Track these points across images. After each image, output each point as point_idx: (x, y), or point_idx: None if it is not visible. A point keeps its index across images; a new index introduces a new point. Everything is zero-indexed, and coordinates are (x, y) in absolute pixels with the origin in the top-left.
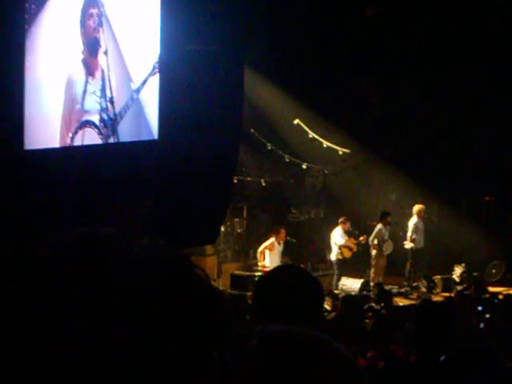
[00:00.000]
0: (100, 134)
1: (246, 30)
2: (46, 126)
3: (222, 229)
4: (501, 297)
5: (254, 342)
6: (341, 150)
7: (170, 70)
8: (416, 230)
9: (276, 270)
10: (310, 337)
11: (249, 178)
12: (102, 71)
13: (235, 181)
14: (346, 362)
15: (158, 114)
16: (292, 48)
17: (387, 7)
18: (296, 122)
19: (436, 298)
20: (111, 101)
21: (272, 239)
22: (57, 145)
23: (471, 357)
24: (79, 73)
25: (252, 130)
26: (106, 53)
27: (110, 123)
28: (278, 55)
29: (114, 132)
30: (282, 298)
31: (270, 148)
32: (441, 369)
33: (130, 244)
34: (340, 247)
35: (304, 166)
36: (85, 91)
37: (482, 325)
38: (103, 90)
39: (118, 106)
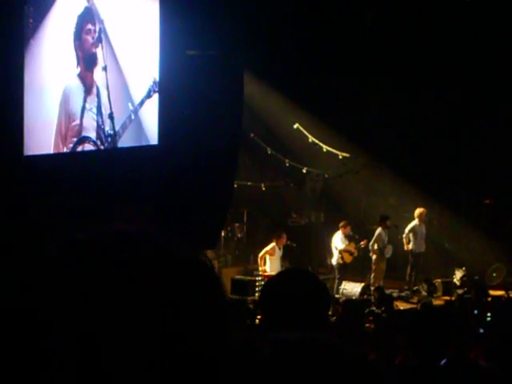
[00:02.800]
0: (98, 149)
1: (245, 36)
2: (45, 132)
3: (223, 234)
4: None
5: (267, 349)
6: (341, 154)
7: (170, 76)
8: (413, 231)
9: (284, 273)
10: (325, 344)
11: (249, 183)
12: (98, 88)
13: (235, 185)
14: (364, 369)
15: (158, 119)
16: (292, 53)
17: (387, 12)
18: (296, 126)
19: (437, 302)
20: (110, 116)
21: (273, 244)
22: (51, 151)
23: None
24: (76, 86)
25: (252, 135)
26: (104, 68)
27: (106, 140)
28: (277, 60)
29: (113, 146)
30: (289, 301)
31: (270, 152)
32: (441, 374)
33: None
34: (340, 252)
35: (304, 171)
36: (83, 107)
37: (481, 330)
38: (99, 107)
39: (117, 125)
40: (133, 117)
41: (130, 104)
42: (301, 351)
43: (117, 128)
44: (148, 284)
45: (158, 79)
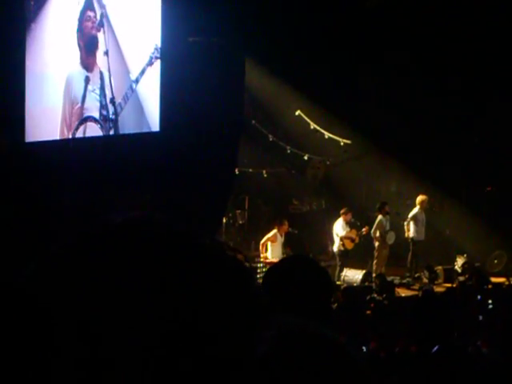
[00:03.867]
0: (101, 128)
1: (247, 22)
2: (46, 119)
3: (224, 220)
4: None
5: (271, 333)
6: (342, 141)
7: (171, 62)
8: (415, 219)
9: (286, 260)
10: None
11: (250, 170)
12: (101, 71)
13: (236, 172)
14: (355, 368)
15: (160, 105)
16: (293, 39)
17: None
18: (297, 113)
19: (438, 289)
20: (112, 101)
21: (274, 231)
22: (57, 137)
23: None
24: (78, 71)
25: (253, 122)
26: (106, 53)
27: (110, 118)
28: (279, 46)
29: (115, 126)
30: (292, 288)
31: (271, 139)
32: (433, 360)
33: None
34: (342, 238)
35: (305, 157)
36: (85, 90)
37: (480, 317)
38: (102, 88)
39: (118, 99)
40: (134, 86)
41: (130, 75)
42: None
43: (118, 100)
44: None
45: (159, 46)
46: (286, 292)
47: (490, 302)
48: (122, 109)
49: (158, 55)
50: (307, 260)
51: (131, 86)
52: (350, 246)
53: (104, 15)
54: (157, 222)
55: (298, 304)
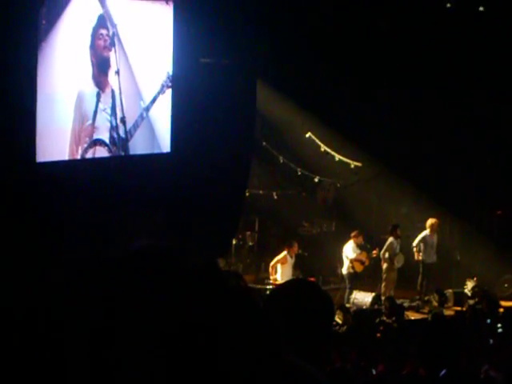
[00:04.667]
0: (110, 151)
1: (258, 43)
2: (57, 139)
3: (234, 242)
4: None
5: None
6: (352, 164)
7: (183, 84)
8: (424, 242)
9: (286, 284)
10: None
11: (261, 191)
12: (113, 90)
13: (247, 194)
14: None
15: (171, 126)
16: (305, 61)
17: (400, 20)
18: (308, 135)
19: (448, 312)
20: (122, 120)
21: (284, 252)
22: (66, 157)
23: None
24: (90, 90)
25: (264, 143)
26: (117, 72)
27: (120, 142)
28: (290, 68)
29: (125, 150)
30: (291, 312)
31: (282, 161)
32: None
33: (189, 259)
34: (352, 261)
35: (316, 179)
36: (96, 108)
37: (490, 341)
38: (113, 108)
39: (128, 125)
40: (145, 114)
41: (141, 102)
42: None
43: (128, 127)
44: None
45: (171, 74)
46: (287, 316)
47: (499, 325)
48: (132, 136)
49: (170, 84)
50: (308, 284)
51: (142, 115)
52: (359, 268)
53: (115, 34)
54: (161, 252)
55: (299, 329)
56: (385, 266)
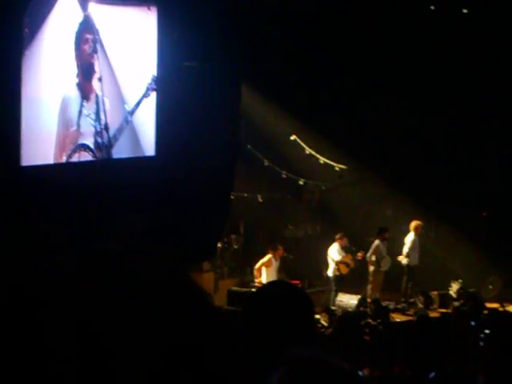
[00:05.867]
0: (95, 156)
1: (242, 47)
2: (42, 143)
3: (219, 245)
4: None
5: (285, 368)
6: (337, 166)
7: (167, 87)
8: (413, 246)
9: (265, 287)
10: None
11: (245, 194)
12: (97, 96)
13: (232, 197)
14: None
15: (155, 130)
16: (289, 64)
17: (386, 25)
18: (293, 138)
19: (433, 314)
20: (106, 126)
21: (269, 255)
22: (51, 161)
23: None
24: (74, 95)
25: (249, 146)
26: (100, 79)
27: (104, 146)
28: (274, 71)
29: (109, 155)
30: (270, 313)
31: (266, 164)
32: None
33: (137, 262)
34: (337, 263)
35: (301, 182)
36: (80, 113)
37: (478, 343)
38: (97, 113)
39: (113, 130)
40: (129, 118)
41: (126, 106)
42: (308, 371)
43: (113, 132)
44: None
45: (155, 76)
46: (268, 318)
47: (484, 327)
48: (116, 140)
49: (155, 86)
50: (288, 285)
51: (126, 118)
52: (345, 270)
53: (98, 41)
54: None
55: (280, 330)
56: (371, 268)
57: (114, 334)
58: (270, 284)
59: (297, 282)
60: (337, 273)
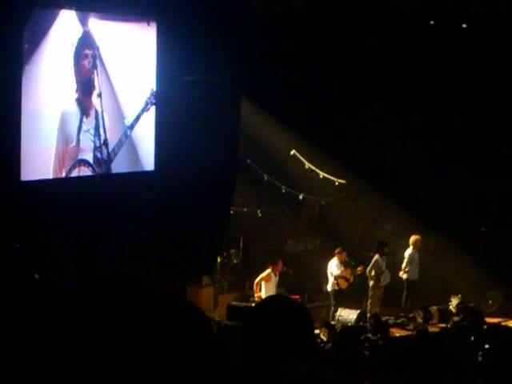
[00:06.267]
0: (94, 171)
1: (243, 61)
2: (41, 158)
3: (219, 259)
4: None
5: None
6: (337, 181)
7: (167, 101)
8: (411, 261)
9: (264, 301)
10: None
11: (245, 209)
12: (96, 111)
13: (232, 212)
14: None
15: (154, 144)
16: (289, 78)
17: (385, 39)
18: (292, 152)
19: (432, 329)
20: (105, 142)
21: (269, 270)
22: (50, 176)
23: None
24: (74, 110)
25: (248, 161)
26: (99, 95)
27: (103, 161)
28: (275, 86)
29: (109, 169)
30: (269, 328)
31: (266, 179)
32: None
33: (151, 287)
34: (336, 278)
35: (300, 197)
36: (79, 129)
37: (478, 358)
38: (97, 128)
39: (112, 145)
40: (128, 133)
41: (125, 121)
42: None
43: (112, 147)
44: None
45: (154, 90)
46: (267, 333)
47: (484, 342)
48: (115, 154)
49: (154, 100)
50: (287, 300)
51: (126, 133)
52: (344, 285)
53: (97, 57)
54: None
55: (279, 345)
56: (371, 283)
57: (111, 340)
58: (269, 298)
59: (296, 296)
60: (336, 287)
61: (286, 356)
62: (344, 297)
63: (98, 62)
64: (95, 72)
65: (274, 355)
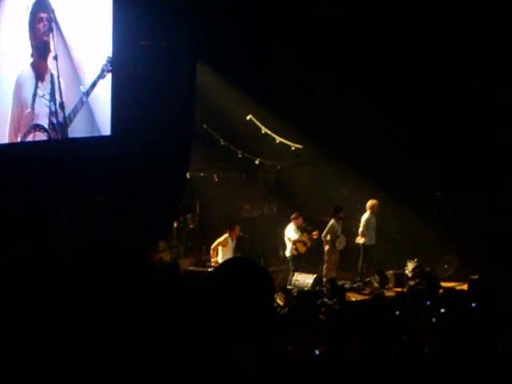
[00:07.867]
0: (49, 137)
1: (199, 27)
2: None
3: (175, 224)
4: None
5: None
6: (293, 146)
7: (123, 67)
8: (368, 225)
9: (224, 264)
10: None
11: (201, 174)
12: (52, 75)
13: (188, 176)
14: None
15: (111, 109)
16: (245, 43)
17: (340, 4)
18: (249, 117)
19: (388, 293)
20: (61, 106)
21: (226, 235)
22: (6, 141)
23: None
24: (29, 75)
25: (205, 126)
26: (55, 58)
27: (59, 127)
28: (231, 51)
29: (64, 135)
30: (233, 289)
31: (222, 143)
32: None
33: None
34: (294, 242)
35: (257, 162)
36: (34, 95)
37: (432, 320)
38: (52, 93)
39: (68, 110)
40: (84, 99)
41: (81, 87)
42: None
43: (68, 112)
44: None
45: (111, 57)
46: (228, 294)
47: (440, 306)
48: (71, 121)
49: (110, 68)
50: (247, 261)
51: (82, 99)
52: (302, 249)
53: (53, 19)
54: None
55: (241, 305)
56: (327, 247)
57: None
58: (227, 261)
59: None
60: (294, 252)
61: (248, 315)
62: (302, 261)
63: (53, 25)
64: (51, 35)
65: (236, 313)
